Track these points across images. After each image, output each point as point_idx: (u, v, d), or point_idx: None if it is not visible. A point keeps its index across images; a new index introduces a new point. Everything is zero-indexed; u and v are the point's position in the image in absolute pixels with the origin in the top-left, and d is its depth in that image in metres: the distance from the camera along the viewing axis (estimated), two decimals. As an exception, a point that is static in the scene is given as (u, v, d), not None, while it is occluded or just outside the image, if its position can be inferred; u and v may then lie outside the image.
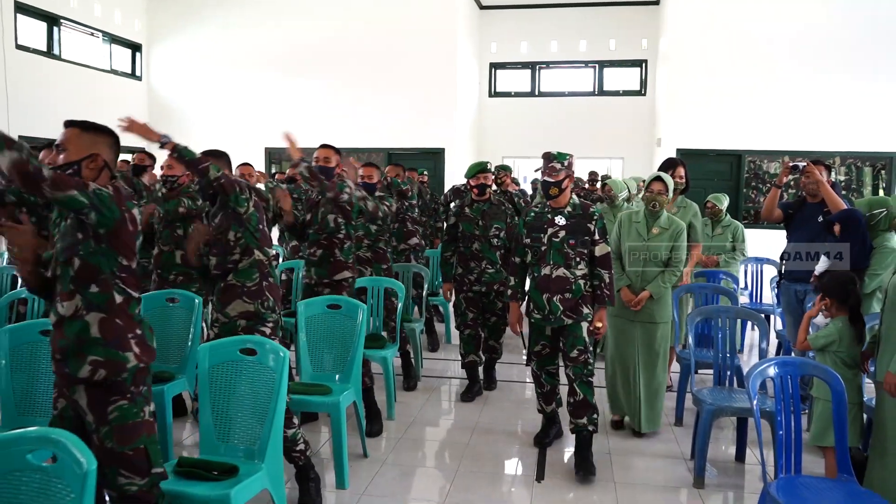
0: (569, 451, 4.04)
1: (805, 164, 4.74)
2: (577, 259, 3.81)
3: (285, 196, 4.58)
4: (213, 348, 2.88)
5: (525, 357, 4.24)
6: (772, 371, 2.79)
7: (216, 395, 2.84)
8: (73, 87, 9.80)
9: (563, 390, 4.11)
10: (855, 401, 3.21)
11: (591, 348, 3.86)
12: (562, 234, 3.81)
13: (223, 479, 2.59)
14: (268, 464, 2.73)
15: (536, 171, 3.92)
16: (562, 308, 3.79)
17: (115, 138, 2.35)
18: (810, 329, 3.58)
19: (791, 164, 4.83)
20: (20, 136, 8.69)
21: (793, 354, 4.42)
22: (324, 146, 4.42)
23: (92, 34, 10.57)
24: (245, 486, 2.58)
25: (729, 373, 4.01)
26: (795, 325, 4.58)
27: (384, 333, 4.79)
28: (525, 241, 3.93)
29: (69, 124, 2.30)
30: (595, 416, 3.78)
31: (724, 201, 6.61)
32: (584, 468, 3.67)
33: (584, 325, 3.81)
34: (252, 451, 2.77)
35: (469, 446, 4.16)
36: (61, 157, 2.21)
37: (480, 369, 5.20)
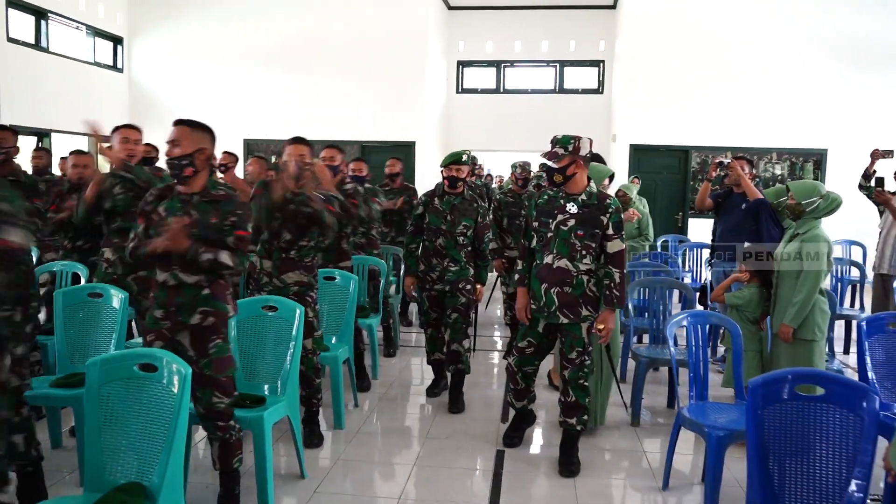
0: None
1: (729, 160, 5.55)
2: (584, 252, 3.54)
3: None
4: (244, 305, 3.53)
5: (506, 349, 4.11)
6: (685, 322, 3.57)
7: (245, 344, 3.51)
8: (60, 79, 10.19)
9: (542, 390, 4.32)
10: (756, 349, 4.02)
11: (590, 348, 3.65)
12: (571, 222, 3.55)
13: (255, 406, 3.26)
14: (287, 397, 3.42)
15: (544, 155, 3.60)
16: (557, 303, 3.56)
17: (214, 134, 2.93)
18: (732, 287, 4.36)
19: (717, 161, 5.65)
20: (11, 126, 9.15)
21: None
22: (329, 147, 4.86)
23: (77, 27, 10.97)
24: (272, 412, 3.26)
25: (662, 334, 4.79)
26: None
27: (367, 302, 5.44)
28: (533, 225, 3.69)
29: (179, 122, 2.87)
30: (585, 416, 3.69)
31: (634, 190, 7.46)
32: (569, 468, 3.64)
33: (584, 325, 3.59)
34: (275, 388, 3.45)
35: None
36: (176, 150, 2.81)
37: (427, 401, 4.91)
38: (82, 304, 3.70)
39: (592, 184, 3.64)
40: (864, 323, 3.45)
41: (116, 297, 3.66)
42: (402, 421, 4.61)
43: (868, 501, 2.22)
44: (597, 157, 4.84)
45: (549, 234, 3.60)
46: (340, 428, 4.26)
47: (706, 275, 7.16)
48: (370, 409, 4.70)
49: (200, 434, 3.86)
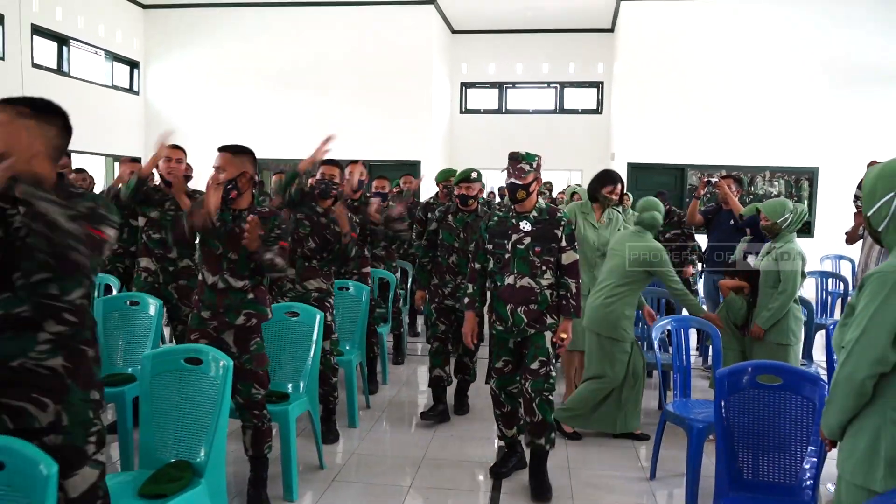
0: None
1: (716, 179, 5.92)
2: (544, 267, 3.56)
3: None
4: (278, 310, 3.90)
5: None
6: (669, 326, 3.93)
7: (270, 345, 3.86)
8: (80, 102, 10.64)
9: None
10: (739, 348, 4.35)
11: (553, 361, 3.63)
12: (527, 240, 3.55)
13: (280, 402, 3.62)
14: (308, 394, 3.78)
15: (503, 171, 3.63)
16: (525, 320, 3.56)
17: (254, 156, 3.28)
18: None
19: (706, 180, 6.02)
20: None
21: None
22: (355, 162, 5.27)
23: (96, 53, 11.47)
24: (296, 406, 3.62)
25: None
26: (714, 306, 5.74)
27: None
28: (487, 248, 3.67)
29: (223, 149, 3.23)
30: (554, 434, 3.65)
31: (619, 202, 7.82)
32: (543, 493, 3.57)
33: (548, 334, 3.58)
34: (297, 385, 3.81)
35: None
36: (222, 175, 3.18)
37: (449, 390, 4.92)
38: (120, 311, 4.08)
39: (540, 199, 3.65)
40: (832, 327, 3.80)
41: (152, 305, 4.03)
42: (410, 421, 4.95)
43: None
44: (609, 176, 4.88)
45: (507, 255, 3.58)
46: (354, 427, 4.61)
47: (699, 285, 7.52)
48: (381, 410, 5.04)
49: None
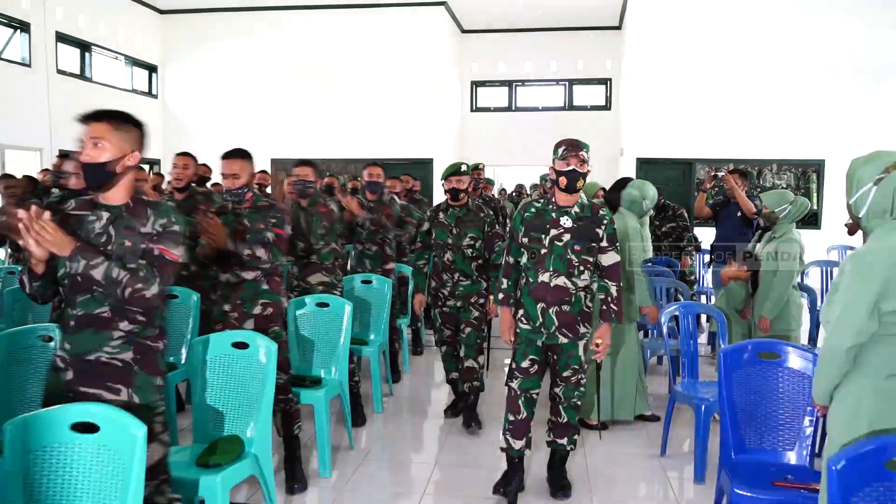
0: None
1: (723, 174, 6.15)
2: (581, 267, 3.33)
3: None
4: (298, 304, 4.16)
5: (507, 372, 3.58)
6: (677, 312, 4.17)
7: (304, 335, 4.14)
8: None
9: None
10: (743, 332, 4.57)
11: (585, 367, 3.46)
12: (566, 237, 3.32)
13: (313, 386, 3.88)
14: (338, 378, 4.04)
15: (562, 158, 3.28)
16: (556, 323, 3.34)
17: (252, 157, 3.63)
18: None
19: (712, 174, 6.26)
20: (60, 151, 9.90)
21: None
22: (373, 164, 5.49)
23: (116, 58, 11.78)
24: (328, 390, 3.88)
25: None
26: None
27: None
28: (522, 241, 3.42)
29: (234, 155, 3.54)
30: (576, 435, 3.57)
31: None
32: (562, 489, 3.56)
33: (581, 343, 3.39)
34: (329, 371, 4.07)
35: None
36: (238, 181, 3.49)
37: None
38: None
39: (583, 195, 3.44)
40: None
41: (191, 297, 4.31)
42: (429, 406, 5.21)
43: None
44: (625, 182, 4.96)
45: (543, 251, 3.34)
46: (379, 412, 4.88)
47: (707, 275, 7.73)
48: (403, 396, 5.31)
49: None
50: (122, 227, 2.29)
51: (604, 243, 3.36)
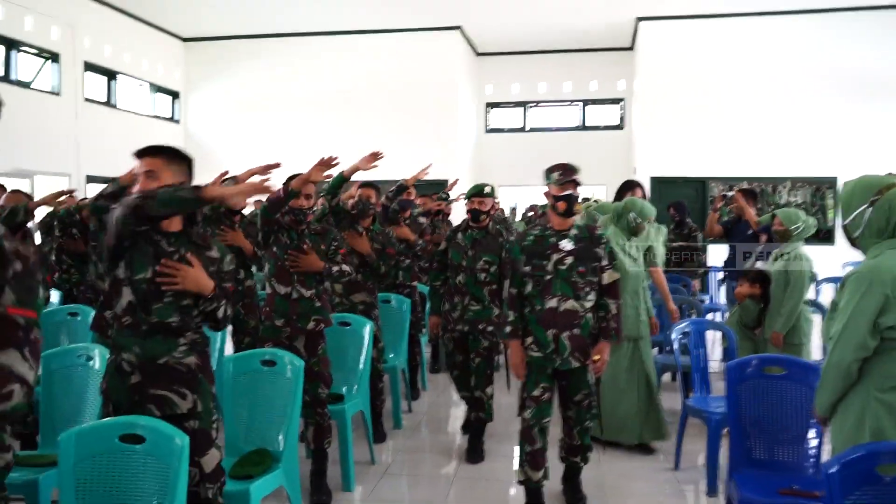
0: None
1: (733, 194, 6.29)
2: (587, 289, 3.37)
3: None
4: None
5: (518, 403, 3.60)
6: (688, 329, 4.29)
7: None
8: (126, 132, 11.24)
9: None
10: (751, 347, 4.67)
11: (595, 389, 3.50)
12: (569, 260, 3.35)
13: (337, 402, 4.03)
14: (361, 395, 4.19)
15: (556, 182, 3.37)
16: (569, 348, 3.33)
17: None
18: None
19: (722, 194, 6.40)
20: (87, 177, 10.20)
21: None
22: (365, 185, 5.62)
23: (140, 85, 12.13)
24: (351, 406, 4.04)
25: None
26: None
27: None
28: (524, 270, 3.43)
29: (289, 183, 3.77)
30: (590, 452, 3.62)
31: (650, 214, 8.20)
32: (577, 501, 3.64)
33: (590, 365, 3.44)
34: (351, 388, 4.23)
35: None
36: (305, 203, 3.76)
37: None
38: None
39: (577, 216, 3.52)
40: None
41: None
42: (447, 422, 5.35)
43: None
44: (635, 185, 5.13)
45: (548, 277, 3.36)
46: (399, 428, 5.02)
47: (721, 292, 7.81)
48: (422, 413, 5.44)
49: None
50: (191, 251, 2.52)
51: (604, 262, 3.42)
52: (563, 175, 3.36)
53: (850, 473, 1.91)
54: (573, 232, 3.42)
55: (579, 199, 3.46)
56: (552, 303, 3.35)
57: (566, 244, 3.38)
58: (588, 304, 3.39)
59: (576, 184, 3.36)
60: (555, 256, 3.37)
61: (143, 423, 2.20)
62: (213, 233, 4.72)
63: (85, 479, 2.14)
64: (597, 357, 3.42)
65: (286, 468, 3.10)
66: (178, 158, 2.57)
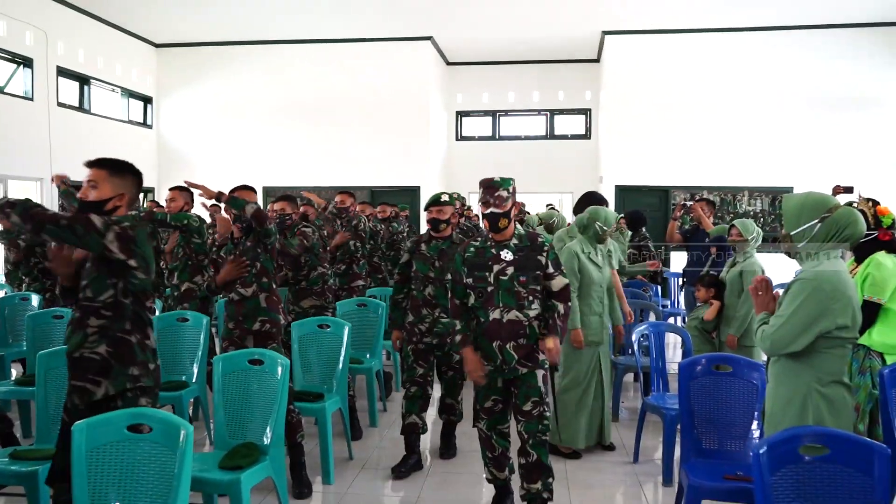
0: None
1: (692, 203, 6.63)
2: (531, 298, 3.34)
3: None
4: (301, 325, 4.54)
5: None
6: (647, 331, 4.59)
7: (307, 353, 4.52)
8: (99, 136, 11.32)
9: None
10: (709, 349, 4.98)
11: (546, 399, 3.41)
12: (510, 270, 3.34)
13: (315, 401, 4.25)
14: (339, 393, 4.41)
15: (479, 201, 3.43)
16: (516, 357, 3.33)
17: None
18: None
19: (681, 203, 6.74)
20: (60, 180, 10.21)
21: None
22: (342, 192, 5.98)
23: (113, 90, 12.17)
24: (331, 404, 4.26)
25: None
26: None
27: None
28: (466, 282, 3.41)
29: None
30: (551, 480, 3.43)
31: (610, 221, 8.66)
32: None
33: (539, 372, 3.38)
34: (331, 387, 4.44)
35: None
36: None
37: (435, 431, 4.84)
38: (170, 326, 4.73)
39: (519, 225, 3.50)
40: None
41: (202, 320, 4.68)
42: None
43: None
44: (598, 199, 5.24)
45: (490, 288, 3.35)
46: (374, 426, 5.24)
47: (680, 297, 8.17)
48: (396, 412, 5.66)
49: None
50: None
51: (549, 269, 3.38)
52: (485, 193, 3.38)
53: (776, 454, 2.19)
54: (514, 242, 3.41)
55: (510, 214, 3.37)
56: (495, 314, 3.34)
57: (506, 254, 3.37)
58: (532, 314, 3.36)
59: (500, 199, 3.32)
60: (496, 267, 3.36)
61: (150, 413, 2.40)
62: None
63: (95, 467, 2.34)
64: (551, 344, 3.30)
65: (273, 460, 3.32)
66: (122, 172, 2.74)
